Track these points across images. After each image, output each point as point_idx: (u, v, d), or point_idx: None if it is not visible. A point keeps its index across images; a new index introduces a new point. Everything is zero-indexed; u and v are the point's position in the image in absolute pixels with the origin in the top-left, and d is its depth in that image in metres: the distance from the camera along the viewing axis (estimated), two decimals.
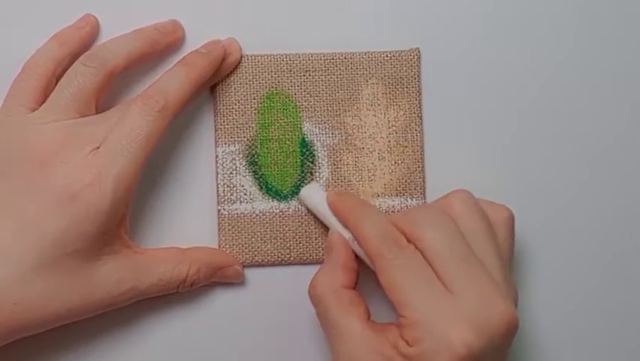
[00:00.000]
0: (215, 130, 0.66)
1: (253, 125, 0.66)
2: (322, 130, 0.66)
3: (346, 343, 0.59)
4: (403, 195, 0.66)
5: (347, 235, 0.62)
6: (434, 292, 0.57)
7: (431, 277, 0.58)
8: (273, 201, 0.66)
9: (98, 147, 0.60)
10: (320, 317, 0.61)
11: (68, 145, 0.60)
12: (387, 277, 0.58)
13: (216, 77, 0.65)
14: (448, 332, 0.56)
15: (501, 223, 0.62)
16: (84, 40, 0.64)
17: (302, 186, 0.66)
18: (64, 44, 0.64)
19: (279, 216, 0.66)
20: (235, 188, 0.66)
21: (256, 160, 0.66)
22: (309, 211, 0.65)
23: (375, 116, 0.66)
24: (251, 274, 0.66)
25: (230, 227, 0.65)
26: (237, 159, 0.66)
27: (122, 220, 0.61)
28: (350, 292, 0.61)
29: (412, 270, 0.58)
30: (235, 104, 0.66)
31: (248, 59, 0.66)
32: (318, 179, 0.66)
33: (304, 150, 0.66)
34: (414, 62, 0.66)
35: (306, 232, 0.66)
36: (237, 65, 0.66)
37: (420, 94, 0.66)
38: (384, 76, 0.66)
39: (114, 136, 0.60)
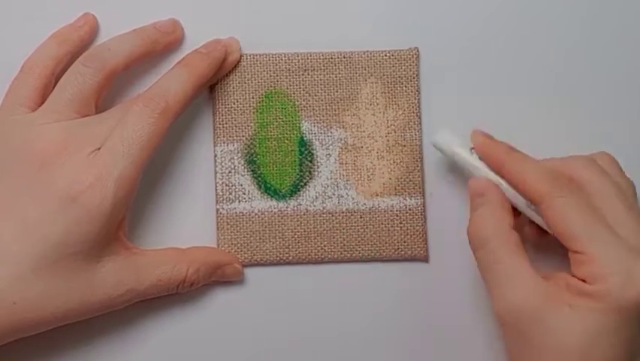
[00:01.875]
0: (214, 129, 0.66)
1: (252, 124, 0.66)
2: (321, 129, 0.66)
3: (514, 284, 0.57)
4: (402, 194, 0.66)
5: (495, 179, 0.62)
6: (607, 229, 0.57)
7: (601, 215, 0.58)
8: (271, 200, 0.66)
9: (99, 148, 0.60)
10: (483, 260, 0.59)
11: (68, 146, 0.60)
12: (559, 213, 0.58)
13: (216, 77, 0.65)
14: (630, 262, 0.56)
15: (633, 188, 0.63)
16: (83, 39, 0.64)
17: (300, 186, 0.66)
18: (63, 43, 0.64)
19: (278, 216, 0.66)
20: (234, 187, 0.66)
21: (255, 159, 0.66)
22: (446, 157, 0.64)
23: (374, 115, 0.66)
24: (250, 273, 0.66)
25: (228, 226, 0.65)
26: (236, 158, 0.66)
27: (121, 222, 0.61)
28: (516, 233, 0.59)
29: (584, 206, 0.58)
30: (234, 104, 0.66)
31: (247, 58, 0.66)
32: (316, 178, 0.66)
33: (303, 149, 0.66)
34: (413, 62, 0.66)
35: (305, 231, 0.66)
36: (236, 64, 0.66)
37: (419, 93, 0.67)
38: (383, 75, 0.66)
39: (115, 138, 0.60)
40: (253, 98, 0.66)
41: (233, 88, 0.66)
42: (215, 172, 0.66)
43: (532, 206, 0.61)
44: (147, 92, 0.62)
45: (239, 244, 0.65)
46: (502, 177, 0.61)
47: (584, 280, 0.56)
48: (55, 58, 0.63)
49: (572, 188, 0.59)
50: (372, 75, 0.66)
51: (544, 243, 0.61)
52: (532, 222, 0.62)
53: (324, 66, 0.66)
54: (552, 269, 0.59)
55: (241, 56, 0.66)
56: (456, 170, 0.66)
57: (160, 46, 0.64)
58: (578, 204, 0.58)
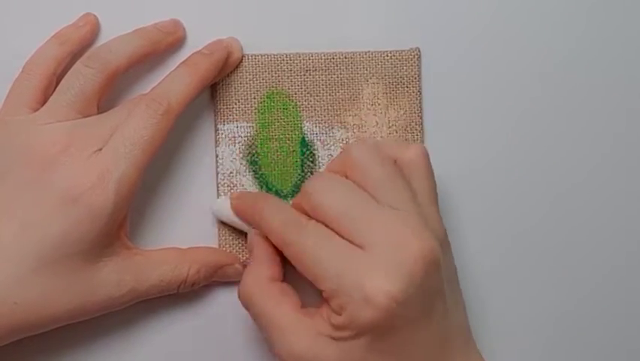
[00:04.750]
0: (216, 129, 0.66)
1: (253, 124, 0.66)
2: (322, 130, 0.66)
3: (284, 334, 0.58)
4: None
5: None
6: (343, 254, 0.57)
7: (337, 241, 0.57)
8: None
9: (101, 149, 0.60)
10: (255, 317, 0.60)
11: (70, 146, 0.60)
12: (298, 259, 0.58)
13: (217, 77, 0.65)
14: (362, 285, 0.55)
15: (416, 162, 0.61)
16: (84, 39, 0.64)
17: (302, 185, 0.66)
18: (64, 43, 0.64)
19: None
20: (235, 187, 0.66)
21: (256, 160, 0.66)
22: (227, 223, 0.65)
23: (376, 115, 0.66)
24: None
25: (230, 227, 0.65)
26: (238, 158, 0.66)
27: (122, 222, 0.61)
28: (279, 284, 0.60)
29: (317, 243, 0.57)
30: (235, 104, 0.66)
31: (248, 59, 0.66)
32: None
33: (304, 150, 0.66)
34: (414, 62, 0.66)
35: None
36: (238, 64, 0.66)
37: (420, 94, 0.67)
38: (385, 76, 0.66)
39: (117, 139, 0.60)
40: (255, 98, 0.66)
41: (235, 88, 0.66)
42: (217, 173, 0.66)
43: None
44: (150, 93, 0.62)
45: (240, 245, 0.65)
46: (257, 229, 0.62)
47: (335, 313, 0.57)
48: (57, 58, 0.63)
49: (302, 228, 0.58)
50: (373, 76, 0.66)
51: None
52: None
53: (325, 67, 0.66)
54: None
55: (243, 57, 0.66)
56: (457, 170, 0.66)
57: (162, 46, 0.64)
58: (310, 244, 0.57)
